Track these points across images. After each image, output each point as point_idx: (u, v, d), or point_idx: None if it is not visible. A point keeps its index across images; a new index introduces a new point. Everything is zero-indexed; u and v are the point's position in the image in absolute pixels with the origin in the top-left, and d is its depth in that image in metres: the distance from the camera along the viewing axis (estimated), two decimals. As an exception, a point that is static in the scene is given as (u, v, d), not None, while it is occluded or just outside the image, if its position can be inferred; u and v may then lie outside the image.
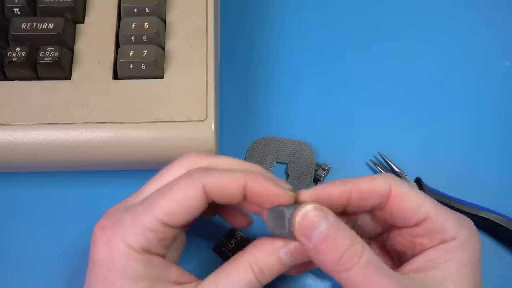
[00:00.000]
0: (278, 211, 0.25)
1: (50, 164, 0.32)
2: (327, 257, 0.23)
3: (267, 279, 0.25)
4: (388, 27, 0.43)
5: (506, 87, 0.41)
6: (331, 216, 0.24)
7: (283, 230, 0.24)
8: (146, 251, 0.24)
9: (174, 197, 0.24)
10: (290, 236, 0.24)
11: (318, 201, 0.25)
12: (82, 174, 0.36)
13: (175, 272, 0.25)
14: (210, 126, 0.31)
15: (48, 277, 0.33)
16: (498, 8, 0.44)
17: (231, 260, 0.25)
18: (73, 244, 0.34)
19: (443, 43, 0.42)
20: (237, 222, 0.30)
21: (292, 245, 0.25)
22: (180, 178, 0.25)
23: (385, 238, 0.29)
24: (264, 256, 0.25)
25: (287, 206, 0.25)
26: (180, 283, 0.25)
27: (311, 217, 0.23)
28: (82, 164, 0.32)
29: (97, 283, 0.24)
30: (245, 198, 0.25)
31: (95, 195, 0.35)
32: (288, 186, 0.26)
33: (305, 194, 0.25)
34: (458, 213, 0.27)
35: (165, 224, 0.24)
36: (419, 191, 0.27)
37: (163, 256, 0.25)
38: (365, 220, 0.28)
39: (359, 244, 0.23)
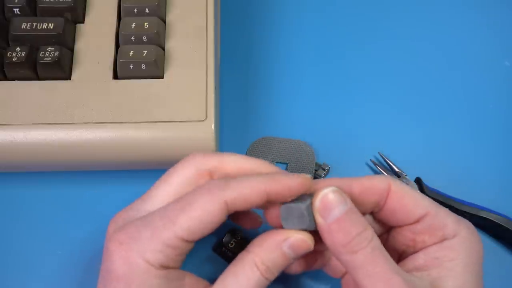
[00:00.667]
0: (294, 207, 0.25)
1: (50, 164, 0.32)
2: (338, 238, 0.24)
3: (274, 274, 0.25)
4: (388, 27, 0.43)
5: (506, 87, 0.41)
6: (349, 201, 0.24)
7: (302, 221, 0.25)
8: (165, 266, 0.24)
9: (194, 214, 0.24)
10: (308, 227, 0.25)
11: None
12: (82, 174, 0.36)
13: (189, 282, 0.25)
14: (210, 126, 0.31)
15: (48, 277, 0.33)
16: (498, 8, 0.44)
17: (236, 260, 0.25)
18: (73, 244, 0.34)
19: (443, 43, 0.42)
20: (249, 224, 0.30)
21: (294, 237, 0.25)
22: (200, 192, 0.24)
23: (385, 239, 0.29)
24: (268, 252, 0.25)
25: (301, 201, 0.25)
26: None
27: (331, 198, 0.24)
28: (82, 164, 0.32)
29: None
30: (268, 201, 0.25)
31: (95, 195, 0.35)
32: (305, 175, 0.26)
33: (320, 183, 0.26)
34: (456, 214, 0.27)
35: (184, 240, 0.24)
36: (417, 191, 0.27)
37: (178, 268, 0.25)
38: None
39: (370, 231, 0.24)
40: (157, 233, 0.23)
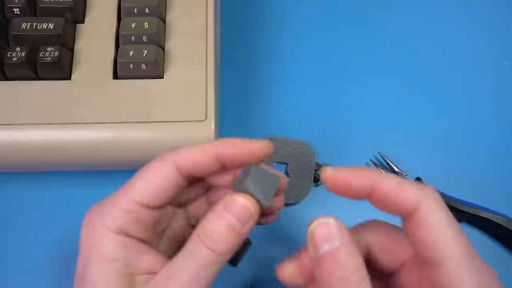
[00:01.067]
0: (264, 174, 0.25)
1: (50, 164, 0.32)
2: (328, 272, 0.22)
3: (224, 248, 0.23)
4: (388, 27, 0.43)
5: (506, 87, 0.41)
6: (346, 236, 0.22)
7: (268, 197, 0.24)
8: (124, 232, 0.24)
9: (147, 177, 0.24)
10: (255, 193, 0.24)
11: (335, 182, 0.24)
12: (82, 174, 0.36)
13: (149, 259, 0.24)
14: (210, 126, 0.31)
15: (48, 277, 0.33)
16: (498, 8, 0.44)
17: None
18: (73, 244, 0.34)
19: (443, 42, 0.42)
20: (263, 220, 0.29)
21: (234, 203, 0.24)
22: (154, 159, 0.25)
23: (396, 279, 0.26)
24: (211, 223, 0.23)
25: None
26: (152, 272, 0.24)
27: (327, 228, 0.23)
28: (82, 164, 0.32)
29: (80, 262, 0.25)
30: (222, 165, 0.25)
31: (95, 195, 0.35)
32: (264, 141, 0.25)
33: (326, 171, 0.24)
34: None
35: (141, 205, 0.24)
36: (452, 219, 0.23)
37: (143, 240, 0.25)
38: (381, 253, 0.26)
39: (361, 274, 0.22)
40: (117, 199, 0.24)
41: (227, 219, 0.23)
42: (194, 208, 0.29)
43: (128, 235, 0.24)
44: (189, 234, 0.26)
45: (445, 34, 0.43)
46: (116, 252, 0.24)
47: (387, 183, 0.23)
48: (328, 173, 0.24)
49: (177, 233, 0.28)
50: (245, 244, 0.34)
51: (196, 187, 0.28)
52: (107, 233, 0.24)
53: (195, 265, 0.23)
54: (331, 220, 0.23)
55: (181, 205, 0.28)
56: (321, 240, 0.22)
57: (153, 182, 0.24)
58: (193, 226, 0.29)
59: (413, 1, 0.44)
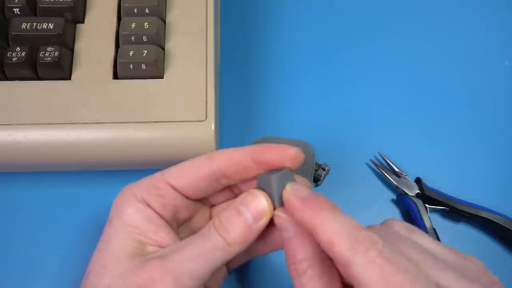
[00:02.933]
0: (265, 176, 0.25)
1: (50, 164, 0.32)
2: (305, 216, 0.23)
3: (235, 240, 0.24)
4: (388, 27, 0.43)
5: (506, 87, 0.41)
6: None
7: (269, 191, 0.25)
8: (147, 203, 0.26)
9: (185, 165, 0.26)
10: (273, 198, 0.25)
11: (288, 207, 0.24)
12: (82, 174, 0.36)
13: (163, 234, 0.26)
14: (210, 126, 0.31)
15: (48, 277, 0.33)
16: (498, 8, 0.44)
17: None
18: (73, 244, 0.34)
19: (443, 42, 0.42)
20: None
21: (252, 202, 0.25)
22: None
23: None
24: (227, 212, 0.25)
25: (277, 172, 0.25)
26: (163, 246, 0.25)
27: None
28: (82, 164, 0.32)
29: (105, 229, 0.26)
30: (257, 164, 0.26)
31: (95, 195, 0.35)
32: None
33: (287, 190, 0.25)
34: None
35: (169, 185, 0.26)
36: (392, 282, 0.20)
37: (163, 217, 0.26)
38: None
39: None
40: (151, 176, 0.27)
41: (242, 212, 0.25)
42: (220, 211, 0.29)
43: (149, 206, 0.26)
44: None
45: (445, 34, 0.43)
46: (134, 217, 0.25)
47: (322, 233, 0.22)
48: (284, 193, 0.25)
49: (200, 228, 0.28)
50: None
51: (225, 192, 0.29)
52: (131, 199, 0.26)
53: (202, 246, 0.24)
54: (280, 213, 0.25)
55: (208, 204, 0.29)
56: (278, 228, 0.25)
57: (188, 170, 0.26)
58: None
59: (413, 1, 0.44)
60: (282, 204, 0.25)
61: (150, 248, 0.25)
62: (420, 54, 0.42)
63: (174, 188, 0.26)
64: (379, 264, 0.20)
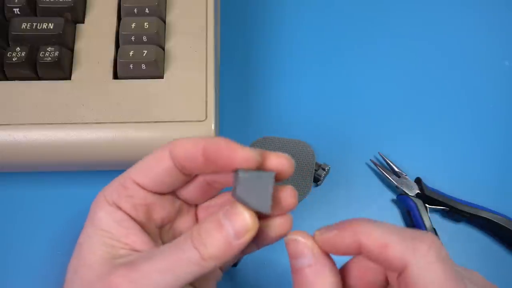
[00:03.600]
0: (257, 180, 0.23)
1: (50, 164, 0.32)
2: (299, 286, 0.22)
3: (211, 255, 0.22)
4: (388, 27, 0.43)
5: (506, 87, 0.41)
6: (316, 253, 0.23)
7: (265, 205, 0.22)
8: (116, 205, 0.25)
9: (146, 160, 0.25)
10: (263, 209, 0.22)
11: (324, 247, 0.23)
12: (82, 174, 0.36)
13: (135, 238, 0.24)
14: (210, 126, 0.31)
15: (48, 277, 0.33)
16: (498, 8, 0.44)
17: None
18: (73, 244, 0.34)
19: (443, 42, 0.42)
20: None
21: (237, 222, 0.22)
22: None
23: None
24: (206, 225, 0.23)
25: (257, 171, 0.23)
26: (136, 250, 0.24)
27: (296, 245, 0.23)
28: (82, 164, 0.32)
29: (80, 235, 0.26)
30: (207, 160, 0.23)
31: (95, 195, 0.35)
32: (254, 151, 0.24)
33: (315, 235, 0.23)
34: None
35: (136, 183, 0.25)
36: (450, 277, 0.20)
37: (136, 220, 0.25)
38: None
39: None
40: (120, 177, 0.26)
41: (224, 225, 0.22)
42: (205, 212, 0.28)
43: (120, 209, 0.25)
44: None
45: (445, 34, 0.43)
46: (105, 221, 0.25)
47: (369, 240, 0.21)
48: (316, 238, 0.23)
49: (185, 230, 0.28)
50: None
51: (204, 186, 0.27)
52: (103, 204, 0.25)
53: (175, 258, 0.22)
54: (299, 237, 0.23)
55: (191, 202, 0.28)
56: (291, 255, 0.23)
57: (149, 166, 0.25)
58: None
59: (413, 1, 0.44)
60: (275, 209, 0.23)
61: (122, 252, 0.24)
62: (420, 54, 0.42)
63: (140, 186, 0.25)
64: (441, 265, 0.20)
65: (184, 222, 0.28)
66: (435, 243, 0.21)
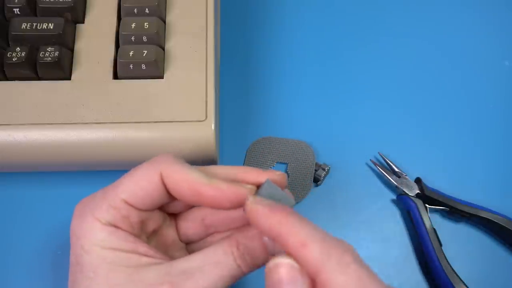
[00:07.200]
0: (283, 196, 0.25)
1: (50, 164, 0.32)
2: None
3: (249, 266, 0.24)
4: (388, 27, 0.43)
5: (506, 87, 0.41)
6: (301, 280, 0.21)
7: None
8: (112, 225, 0.25)
9: (135, 178, 0.25)
10: None
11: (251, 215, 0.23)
12: (82, 174, 0.36)
13: (143, 248, 0.25)
14: (210, 126, 0.31)
15: (48, 277, 0.33)
16: (498, 8, 0.44)
17: (212, 244, 0.24)
18: (73, 244, 0.34)
19: (443, 42, 0.42)
20: None
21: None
22: (143, 163, 0.26)
23: None
24: (247, 239, 0.24)
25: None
26: (152, 256, 0.25)
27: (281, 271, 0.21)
28: (82, 164, 0.32)
29: (73, 251, 0.25)
30: (196, 197, 0.25)
31: (95, 195, 0.35)
32: (247, 186, 0.25)
33: (248, 201, 0.23)
34: None
35: (126, 203, 0.25)
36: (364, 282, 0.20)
37: (131, 231, 0.25)
38: None
39: None
40: (106, 195, 0.25)
41: (267, 244, 0.23)
42: (185, 222, 0.28)
43: (116, 227, 0.25)
44: (177, 245, 0.27)
45: (445, 34, 0.43)
46: (108, 240, 0.24)
47: (293, 236, 0.21)
48: (248, 202, 0.23)
49: (166, 241, 0.28)
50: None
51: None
52: (96, 223, 0.24)
53: (218, 274, 0.23)
54: (285, 262, 0.21)
55: (172, 214, 0.29)
56: (275, 283, 0.21)
57: (139, 185, 0.25)
58: (187, 244, 0.29)
59: (413, 1, 0.44)
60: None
61: (144, 260, 0.24)
62: (420, 54, 0.42)
63: (131, 205, 0.25)
64: (354, 270, 0.20)
65: (166, 226, 0.28)
66: (350, 250, 0.21)
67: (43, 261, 0.34)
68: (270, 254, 0.24)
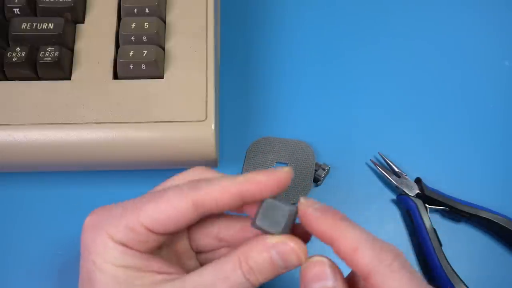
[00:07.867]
0: (275, 206, 0.24)
1: (50, 164, 0.32)
2: None
3: (258, 280, 0.24)
4: (388, 27, 0.43)
5: (506, 87, 0.41)
6: (339, 277, 0.23)
7: (278, 226, 0.24)
8: (125, 246, 0.24)
9: (161, 206, 0.24)
10: (282, 232, 0.24)
11: (303, 218, 0.24)
12: (82, 174, 0.36)
13: (156, 264, 0.25)
14: (210, 126, 0.31)
15: (48, 277, 0.33)
16: (498, 8, 0.44)
17: (221, 257, 0.24)
18: (73, 244, 0.34)
19: (443, 42, 0.42)
20: None
21: (285, 246, 0.23)
22: (172, 189, 0.25)
23: None
24: (254, 253, 0.24)
25: (280, 200, 0.24)
26: (165, 272, 0.24)
27: (321, 267, 0.23)
28: (82, 164, 0.32)
29: (84, 264, 0.25)
30: (244, 202, 0.24)
31: (95, 195, 0.35)
32: (284, 170, 0.24)
33: (301, 201, 0.24)
34: None
35: (147, 229, 0.24)
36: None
37: (144, 252, 0.25)
38: None
39: None
40: (124, 214, 0.24)
41: (273, 256, 0.23)
42: (199, 235, 0.28)
43: (130, 248, 0.24)
44: (189, 254, 0.27)
45: (445, 34, 0.43)
46: (120, 259, 0.24)
47: (344, 241, 0.22)
48: (300, 205, 0.24)
49: (179, 250, 0.28)
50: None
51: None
52: (109, 241, 0.24)
53: None
54: (325, 260, 0.23)
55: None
56: (313, 278, 0.22)
57: (166, 213, 0.24)
58: (198, 253, 0.29)
59: (413, 1, 0.44)
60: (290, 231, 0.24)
61: (157, 277, 0.24)
62: (420, 54, 0.42)
63: (150, 230, 0.24)
64: (404, 275, 0.20)
65: (179, 237, 0.28)
66: (400, 255, 0.22)
67: (43, 261, 0.34)
68: (279, 268, 0.24)
